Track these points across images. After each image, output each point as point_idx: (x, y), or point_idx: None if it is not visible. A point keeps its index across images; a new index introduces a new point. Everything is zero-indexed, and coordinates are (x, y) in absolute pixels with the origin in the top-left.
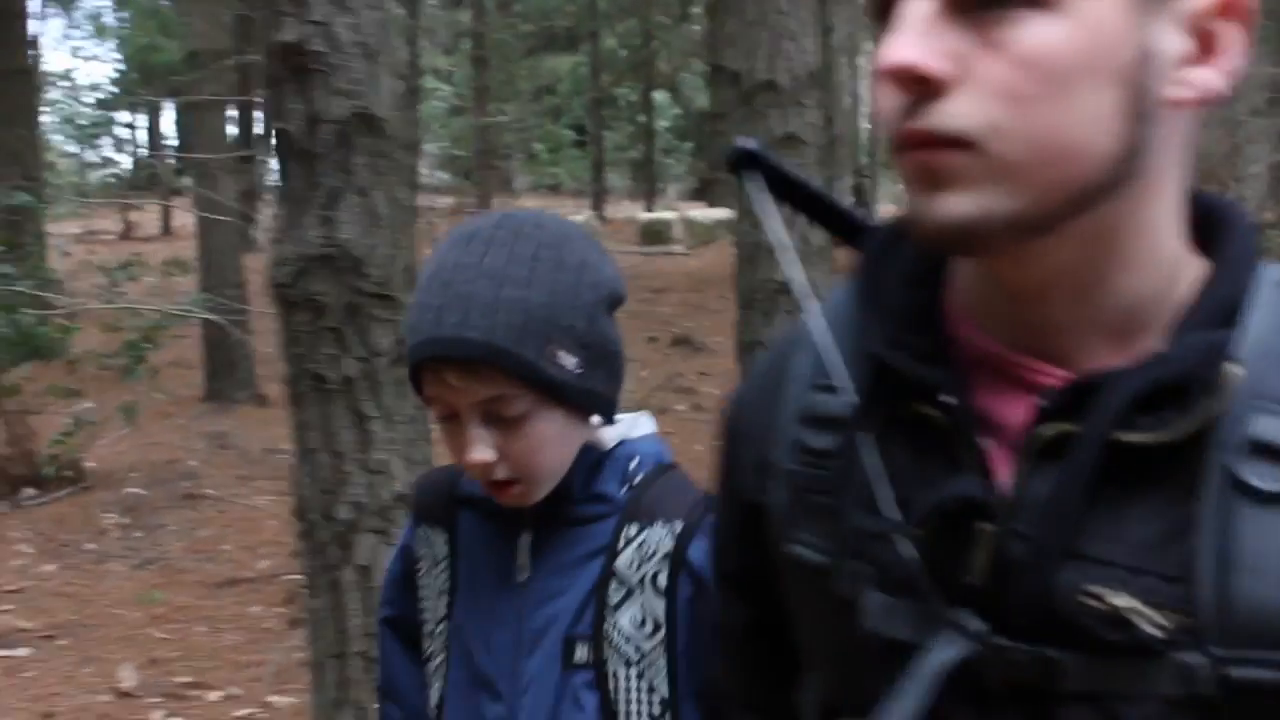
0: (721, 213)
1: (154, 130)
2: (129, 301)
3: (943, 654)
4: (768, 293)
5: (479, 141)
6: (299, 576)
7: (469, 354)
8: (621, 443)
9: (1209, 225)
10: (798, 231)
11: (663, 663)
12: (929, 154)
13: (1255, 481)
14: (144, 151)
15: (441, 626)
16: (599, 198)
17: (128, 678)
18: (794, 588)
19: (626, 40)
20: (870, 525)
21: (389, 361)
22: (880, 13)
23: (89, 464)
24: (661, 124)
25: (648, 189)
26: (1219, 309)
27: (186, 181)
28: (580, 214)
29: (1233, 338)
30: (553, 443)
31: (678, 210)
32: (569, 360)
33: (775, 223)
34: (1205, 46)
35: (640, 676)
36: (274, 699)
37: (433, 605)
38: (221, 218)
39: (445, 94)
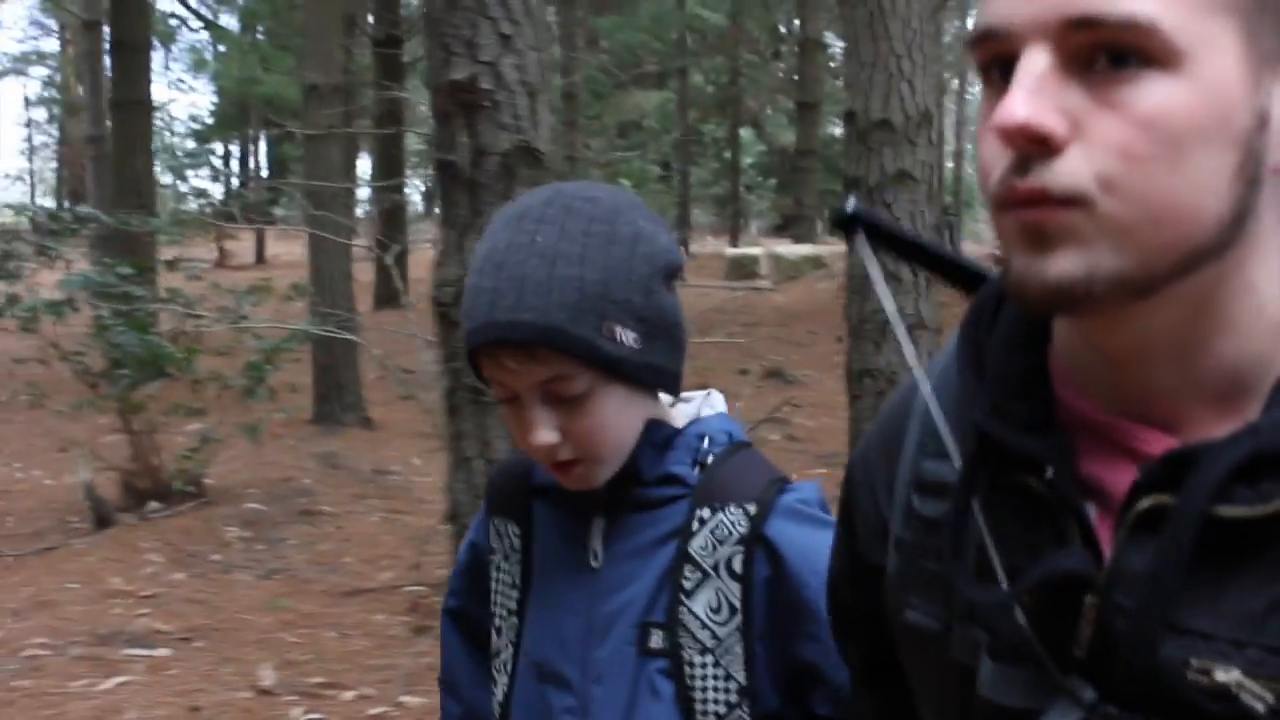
0: (808, 249)
1: (245, 161)
2: (252, 324)
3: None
4: (877, 323)
5: (568, 175)
6: (420, 588)
7: (525, 336)
8: (693, 422)
9: None
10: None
11: (739, 649)
12: (1038, 212)
13: None
14: (237, 182)
15: (511, 621)
16: (684, 233)
17: (266, 677)
18: (909, 653)
19: (714, 77)
20: (981, 594)
21: None
22: (987, 67)
23: (208, 480)
24: (746, 160)
25: (732, 225)
26: None
27: (279, 211)
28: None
29: None
30: (616, 421)
31: (763, 246)
32: (628, 336)
33: (883, 288)
34: None
35: (716, 664)
36: (406, 699)
37: (504, 598)
38: (338, 239)
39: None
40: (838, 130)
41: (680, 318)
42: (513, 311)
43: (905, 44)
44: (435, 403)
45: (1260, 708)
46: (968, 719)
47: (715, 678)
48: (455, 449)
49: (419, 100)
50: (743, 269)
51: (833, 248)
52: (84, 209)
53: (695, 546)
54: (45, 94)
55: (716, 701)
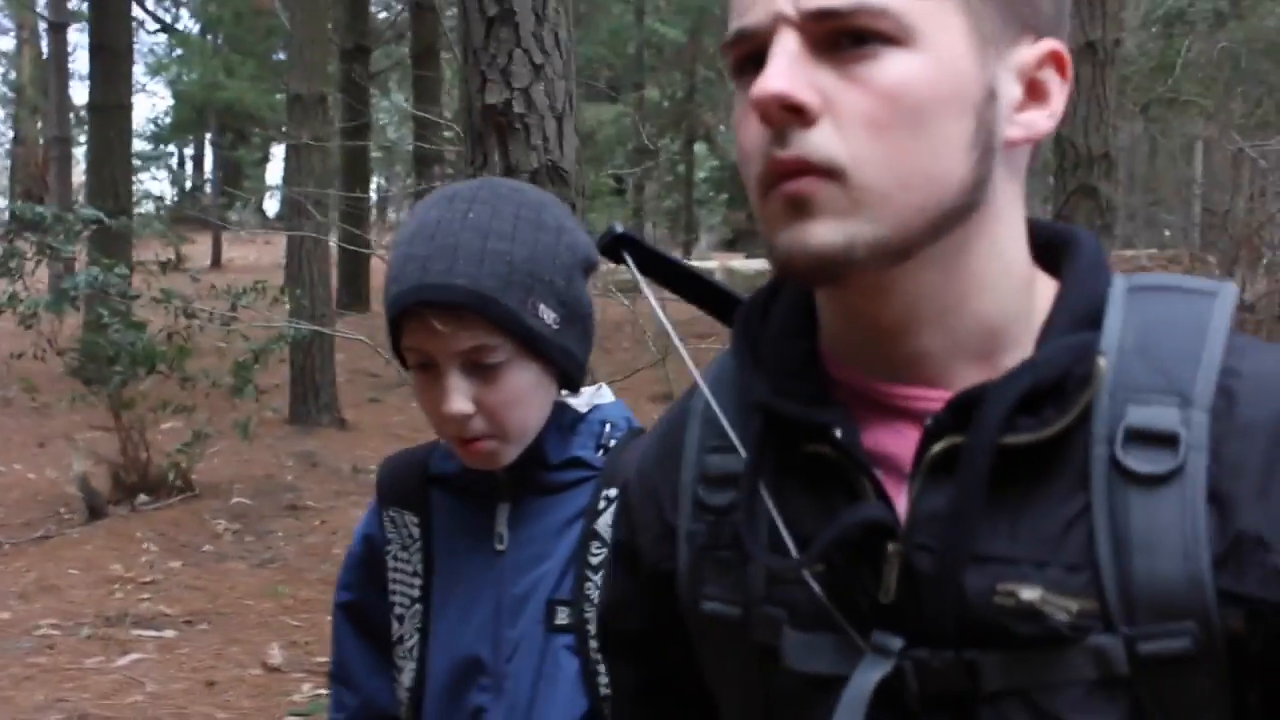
0: (761, 264)
1: (200, 165)
2: (252, 324)
3: (866, 678)
4: None
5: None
6: None
7: (456, 299)
8: (593, 408)
9: (1053, 248)
10: None
11: None
12: (799, 183)
13: (1136, 467)
14: (189, 184)
15: (415, 608)
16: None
17: (274, 656)
18: (708, 645)
19: (670, 92)
20: (776, 567)
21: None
22: (741, 68)
23: (194, 476)
24: (699, 175)
25: (685, 239)
26: (1079, 315)
27: (233, 216)
28: None
29: (1097, 338)
30: (528, 397)
31: (718, 260)
32: (549, 315)
33: (655, 302)
34: (1034, 94)
35: None
36: None
37: (404, 588)
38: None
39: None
40: None
41: (592, 312)
42: (445, 276)
43: None
44: (404, 403)
45: (1064, 618)
46: (780, 699)
47: None
48: None
49: (380, 110)
50: None
51: None
52: (87, 210)
53: (602, 524)
54: None
55: None
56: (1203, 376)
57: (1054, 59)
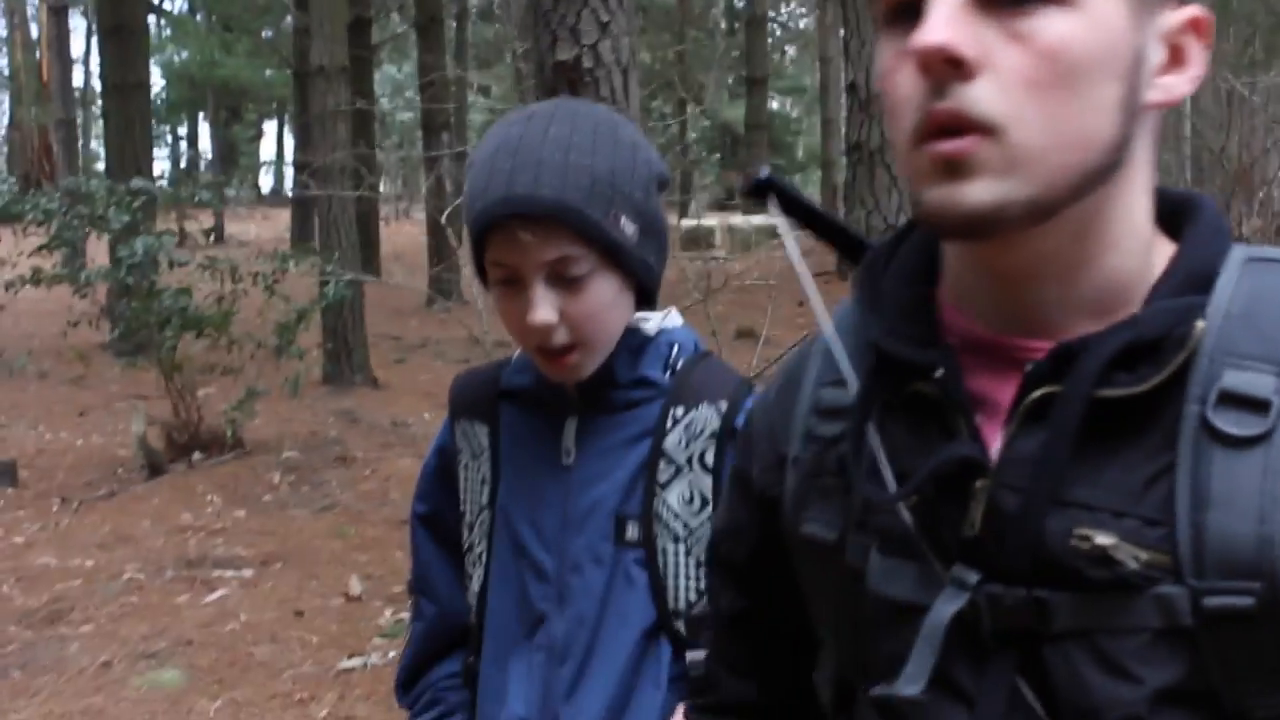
0: (761, 220)
1: (195, 143)
2: (274, 289)
3: (945, 609)
4: None
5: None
6: None
7: (544, 210)
8: (661, 330)
9: (1176, 214)
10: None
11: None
12: (955, 143)
13: (1225, 428)
14: (184, 162)
15: (483, 516)
16: None
17: (354, 586)
18: (806, 567)
19: (661, 54)
20: (874, 497)
21: None
22: (894, 17)
23: (242, 434)
24: (691, 135)
25: (681, 199)
26: (1190, 279)
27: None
28: None
29: (1203, 302)
30: (609, 308)
31: (714, 218)
32: (629, 227)
33: (793, 244)
34: (1175, 58)
35: (688, 553)
36: None
37: (474, 495)
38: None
39: (482, 105)
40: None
41: (667, 228)
42: (531, 188)
43: None
44: (428, 363)
45: (1134, 565)
46: (864, 622)
47: (687, 565)
48: None
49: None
50: (697, 241)
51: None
52: (139, 182)
53: (669, 443)
54: None
55: (688, 589)
56: None
57: (1194, 25)
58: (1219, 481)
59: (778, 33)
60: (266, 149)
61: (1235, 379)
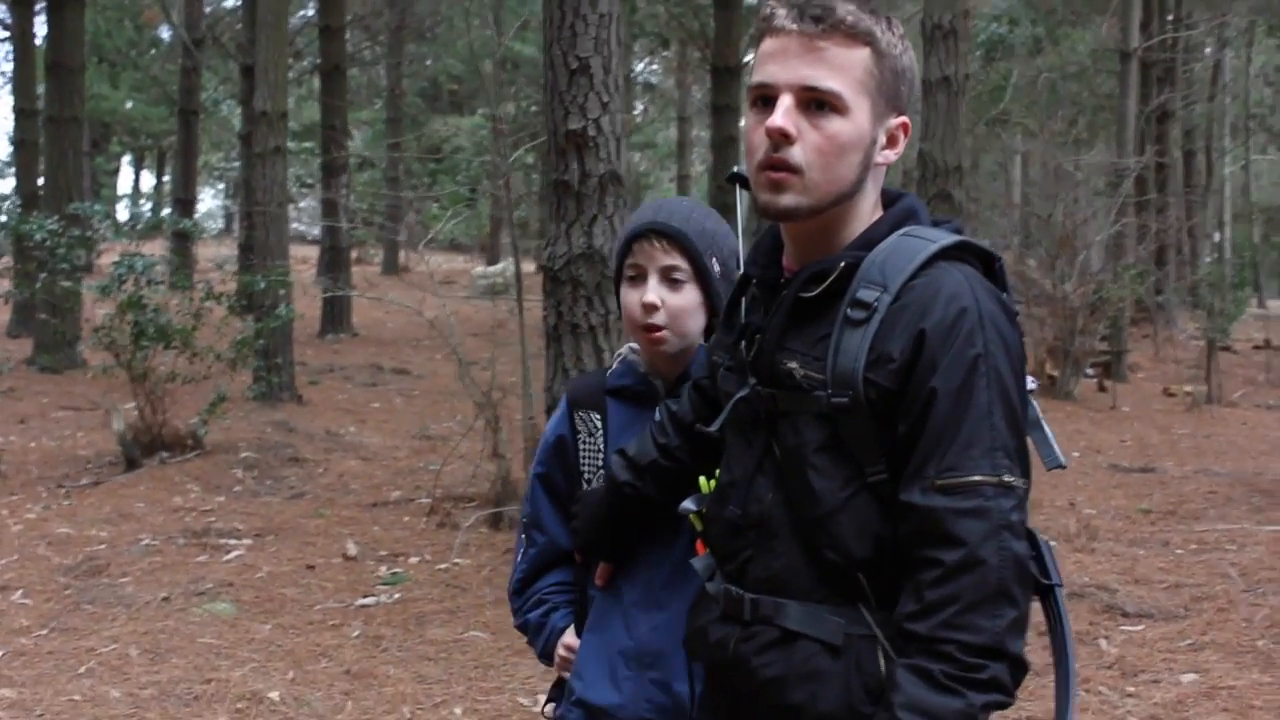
0: None
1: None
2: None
3: (739, 394)
4: None
5: (389, 197)
6: (428, 500)
7: (674, 230)
8: (701, 346)
9: (892, 203)
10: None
11: None
12: (779, 174)
13: (852, 315)
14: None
15: (599, 473)
16: (496, 254)
17: (351, 548)
18: (719, 384)
19: (525, 106)
20: (725, 340)
21: (616, 317)
22: (760, 105)
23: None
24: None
25: (541, 245)
26: (864, 242)
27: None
28: (499, 265)
29: (863, 255)
30: (691, 311)
31: None
32: (716, 267)
33: (742, 210)
34: (891, 142)
35: None
36: (460, 560)
37: (592, 460)
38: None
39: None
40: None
41: (731, 286)
42: (668, 219)
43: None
44: (340, 385)
45: (806, 380)
46: (725, 407)
47: None
48: (556, 364)
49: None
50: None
51: None
52: (164, 209)
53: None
54: None
55: None
56: (897, 280)
57: (903, 126)
58: (844, 343)
59: (638, 89)
60: (126, 182)
61: (862, 293)
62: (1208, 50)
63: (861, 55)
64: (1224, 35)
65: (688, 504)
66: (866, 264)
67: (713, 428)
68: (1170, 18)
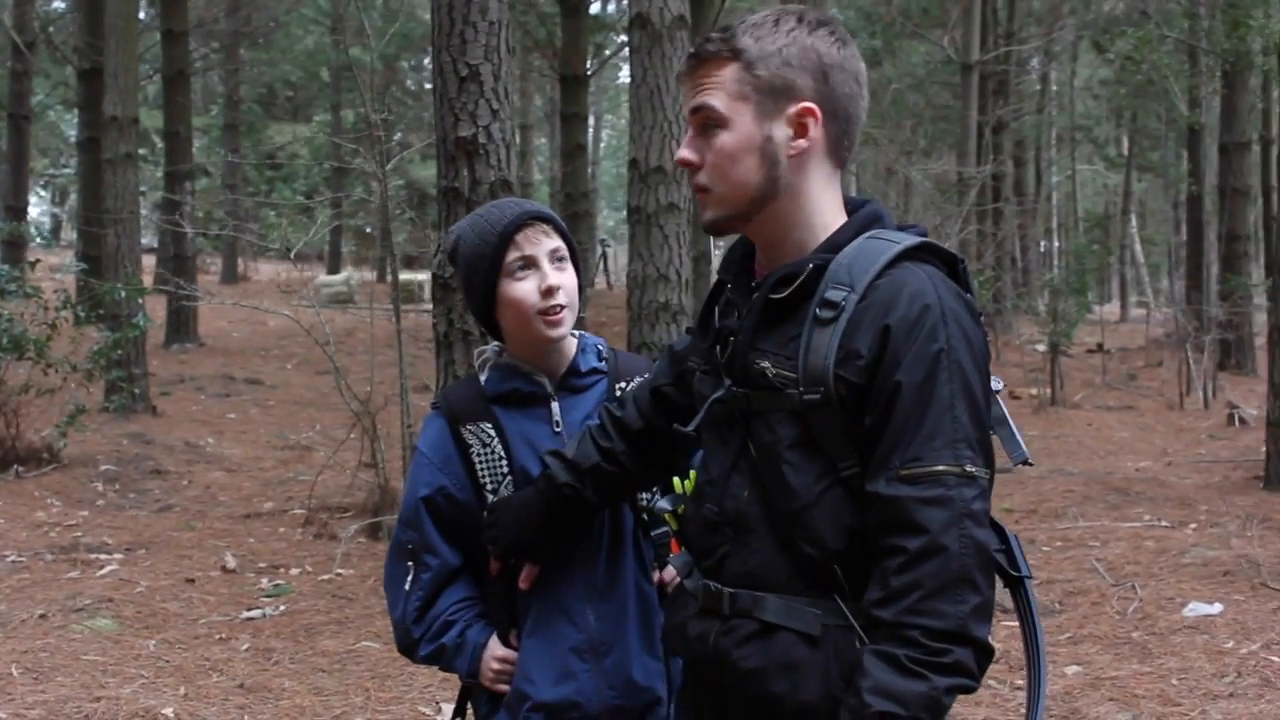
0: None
1: None
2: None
3: (714, 395)
4: (653, 310)
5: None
6: (302, 511)
7: (549, 215)
8: (582, 336)
9: (856, 210)
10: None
11: None
12: (699, 195)
13: (821, 315)
14: None
15: (508, 479)
16: (336, 262)
17: (229, 561)
18: (694, 388)
19: (364, 114)
20: (702, 345)
21: None
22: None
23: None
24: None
25: (382, 255)
26: (830, 245)
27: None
28: (342, 275)
29: (830, 258)
30: (575, 290)
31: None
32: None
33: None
34: (799, 131)
35: None
36: (342, 570)
37: (493, 469)
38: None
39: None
40: None
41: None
42: (539, 208)
43: (674, 113)
44: (193, 396)
45: (777, 379)
46: (701, 408)
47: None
48: (446, 371)
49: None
50: (411, 295)
51: None
52: None
53: (616, 402)
54: None
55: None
56: (864, 280)
57: (804, 111)
58: (814, 342)
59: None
60: None
61: (830, 293)
62: (1035, 63)
63: (730, 69)
64: (1052, 50)
65: (663, 503)
66: (834, 266)
67: (689, 428)
68: (1000, 32)
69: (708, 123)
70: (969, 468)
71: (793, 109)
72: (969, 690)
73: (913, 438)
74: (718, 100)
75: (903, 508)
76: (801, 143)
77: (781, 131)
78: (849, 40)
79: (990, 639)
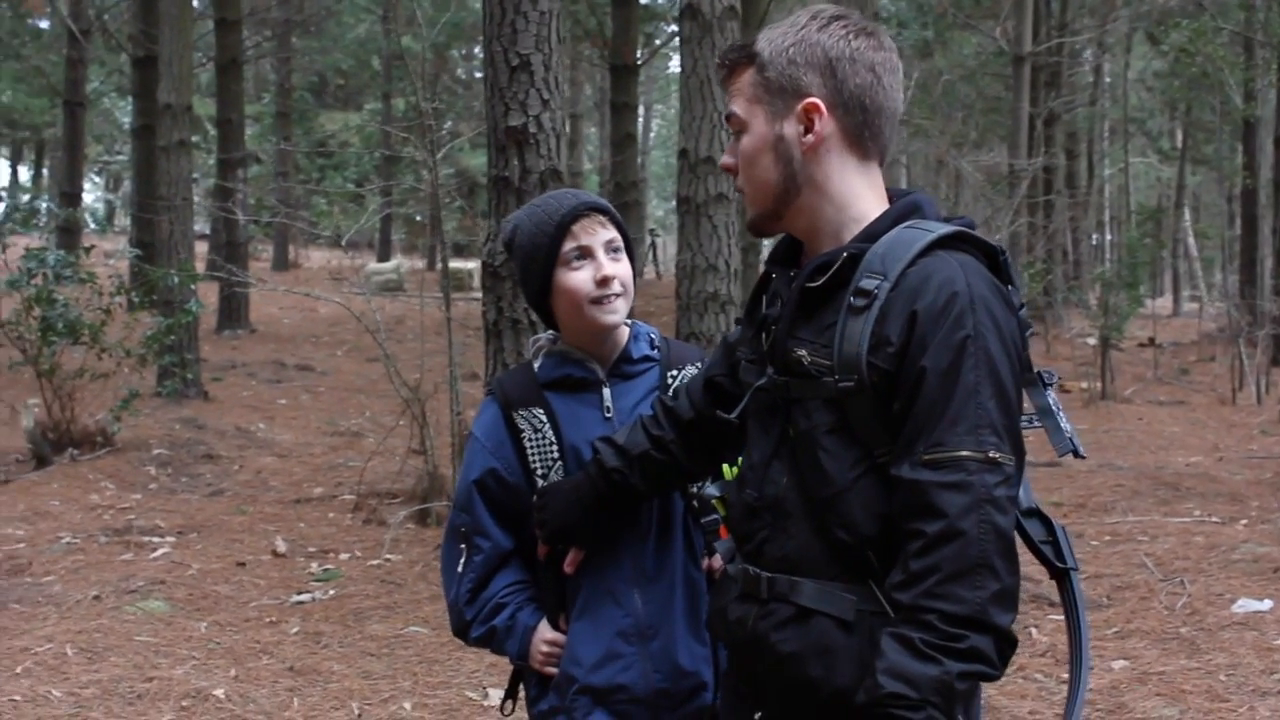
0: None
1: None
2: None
3: (757, 383)
4: (701, 300)
5: (279, 192)
6: (352, 497)
7: (605, 206)
8: (634, 324)
9: (896, 200)
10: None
11: None
12: (743, 195)
13: (855, 303)
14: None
15: (558, 464)
16: (387, 250)
17: (280, 545)
18: (742, 378)
19: (414, 102)
20: (748, 334)
21: None
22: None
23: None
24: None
25: (431, 243)
26: (866, 235)
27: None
28: (392, 263)
29: (867, 247)
30: (629, 280)
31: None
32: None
33: None
34: (807, 125)
35: None
36: (391, 556)
37: (544, 454)
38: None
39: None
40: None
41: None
42: (595, 199)
43: (724, 104)
44: (244, 381)
45: (814, 367)
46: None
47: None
48: (495, 359)
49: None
50: (461, 284)
51: None
52: (43, 201)
53: (669, 392)
54: None
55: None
56: (896, 268)
57: (809, 106)
58: (849, 329)
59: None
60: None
61: (864, 282)
62: (1088, 55)
63: (748, 75)
64: (1105, 41)
65: (711, 489)
66: (869, 255)
67: (732, 415)
68: (1053, 23)
69: (736, 129)
70: (993, 454)
71: (798, 106)
72: (988, 678)
73: (937, 423)
74: (739, 106)
75: (923, 492)
76: (810, 138)
77: (791, 129)
78: (873, 32)
79: (1014, 627)
